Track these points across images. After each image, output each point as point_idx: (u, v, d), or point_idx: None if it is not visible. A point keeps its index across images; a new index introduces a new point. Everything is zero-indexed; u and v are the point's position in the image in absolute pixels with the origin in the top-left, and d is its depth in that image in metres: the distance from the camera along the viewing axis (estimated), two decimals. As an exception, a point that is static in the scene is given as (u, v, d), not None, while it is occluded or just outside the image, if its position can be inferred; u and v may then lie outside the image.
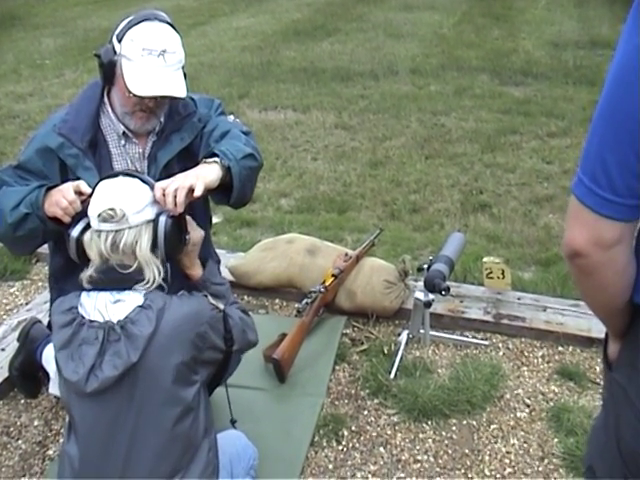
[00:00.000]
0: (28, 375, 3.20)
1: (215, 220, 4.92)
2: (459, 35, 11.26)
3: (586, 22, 11.50)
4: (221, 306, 2.25)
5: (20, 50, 11.38)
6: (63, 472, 2.11)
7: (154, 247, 2.11)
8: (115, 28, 2.54)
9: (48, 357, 2.99)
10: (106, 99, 2.68)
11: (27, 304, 4.00)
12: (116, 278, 2.06)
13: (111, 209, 2.04)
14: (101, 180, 2.21)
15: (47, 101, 8.55)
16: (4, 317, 3.89)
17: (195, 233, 2.38)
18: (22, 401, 3.28)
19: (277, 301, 4.00)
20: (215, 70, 9.49)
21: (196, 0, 15.56)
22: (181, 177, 2.29)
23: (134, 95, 2.47)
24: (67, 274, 2.51)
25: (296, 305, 3.59)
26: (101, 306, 2.04)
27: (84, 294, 2.10)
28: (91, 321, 2.03)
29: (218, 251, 3.35)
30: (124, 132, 2.68)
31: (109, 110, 2.67)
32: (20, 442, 3.07)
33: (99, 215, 2.05)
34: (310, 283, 3.67)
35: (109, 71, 2.55)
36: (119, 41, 2.50)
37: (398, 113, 7.63)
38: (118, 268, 2.06)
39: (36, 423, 3.16)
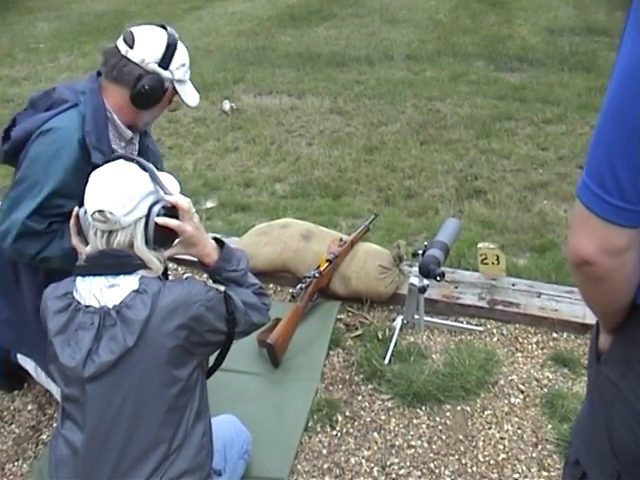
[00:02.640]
0: (9, 374, 3.25)
1: (210, 205, 4.95)
2: (455, 21, 11.21)
3: (582, 8, 11.47)
4: (222, 288, 2.23)
5: (15, 34, 11.34)
6: (61, 456, 2.10)
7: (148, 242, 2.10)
8: (138, 50, 2.57)
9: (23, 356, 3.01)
10: (109, 107, 2.68)
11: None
12: (110, 264, 2.05)
13: (100, 211, 2.00)
14: (102, 164, 2.17)
15: (41, 85, 8.49)
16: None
17: (191, 226, 2.24)
18: (15, 385, 3.29)
19: (271, 286, 4.00)
20: (210, 55, 9.47)
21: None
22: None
23: (190, 107, 2.79)
24: (62, 274, 2.48)
25: (290, 290, 3.59)
26: (96, 291, 2.03)
27: (79, 279, 2.08)
28: (87, 306, 2.01)
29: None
30: (132, 137, 2.78)
31: (115, 118, 2.69)
32: (14, 426, 3.08)
33: (92, 214, 2.03)
34: (304, 268, 3.67)
35: (159, 95, 2.65)
36: (165, 68, 2.61)
37: (393, 99, 7.61)
38: (114, 253, 2.05)
39: (30, 407, 3.17)
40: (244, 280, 2.37)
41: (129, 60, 2.56)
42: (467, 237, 4.38)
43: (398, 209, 5.06)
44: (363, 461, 2.85)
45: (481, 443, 2.91)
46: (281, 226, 3.98)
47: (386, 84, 8.11)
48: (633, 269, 1.35)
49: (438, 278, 3.11)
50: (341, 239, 3.76)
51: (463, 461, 2.83)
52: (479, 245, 3.85)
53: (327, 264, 3.59)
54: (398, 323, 3.52)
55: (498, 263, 3.79)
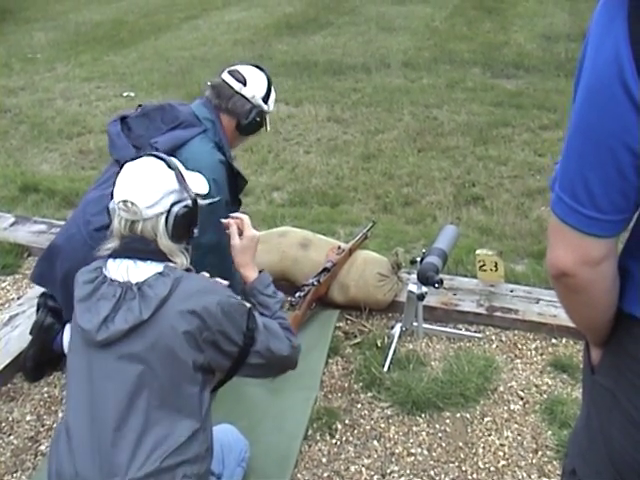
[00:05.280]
0: (42, 363, 3.38)
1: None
2: (451, 28, 11.24)
3: (578, 15, 11.49)
4: (247, 304, 2.29)
5: (11, 44, 11.34)
6: (58, 443, 2.13)
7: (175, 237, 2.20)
8: (250, 88, 3.18)
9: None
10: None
11: (19, 298, 3.98)
12: (139, 248, 2.16)
13: (124, 201, 2.13)
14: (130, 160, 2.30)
15: (39, 95, 8.53)
16: (-4, 312, 3.88)
17: (249, 232, 2.54)
18: (14, 396, 3.28)
19: (270, 295, 3.99)
20: (207, 64, 9.47)
21: (188, -6, 15.53)
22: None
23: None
24: None
25: (289, 298, 3.58)
26: (123, 269, 2.13)
27: (110, 259, 2.18)
28: (112, 280, 2.12)
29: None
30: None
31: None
32: (12, 438, 3.06)
33: (117, 203, 2.15)
34: (303, 276, 3.67)
35: (261, 125, 3.28)
36: (265, 102, 3.25)
37: (390, 106, 7.61)
38: (141, 241, 2.17)
39: (28, 418, 3.16)
40: (275, 308, 2.48)
41: (242, 96, 3.15)
42: (465, 244, 4.38)
43: (396, 216, 5.07)
44: (363, 469, 2.84)
45: (481, 450, 2.91)
46: (279, 234, 3.97)
47: (383, 92, 8.13)
48: (612, 279, 1.36)
49: (436, 285, 3.11)
50: (339, 247, 3.76)
51: (463, 468, 2.82)
52: (477, 252, 3.85)
53: (325, 272, 3.59)
54: (397, 331, 3.52)
55: (496, 270, 3.79)
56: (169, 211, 2.16)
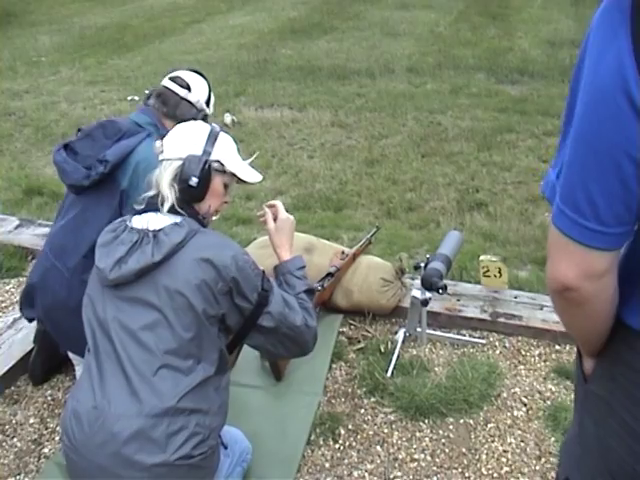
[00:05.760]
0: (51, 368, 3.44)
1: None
2: (455, 34, 11.26)
3: (582, 21, 11.49)
4: (261, 267, 2.34)
5: (16, 47, 11.37)
6: (78, 383, 2.26)
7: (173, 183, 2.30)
8: (195, 93, 3.17)
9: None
10: None
11: (23, 302, 3.98)
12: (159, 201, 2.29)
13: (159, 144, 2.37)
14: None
15: (43, 98, 8.55)
16: (0, 314, 3.88)
17: (283, 215, 2.65)
18: (18, 399, 3.29)
19: (273, 299, 3.98)
20: (212, 68, 9.48)
21: (192, -2, 15.58)
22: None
23: None
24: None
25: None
26: (145, 220, 2.26)
27: (136, 215, 2.31)
28: (132, 228, 2.25)
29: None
30: None
31: None
32: (15, 440, 3.06)
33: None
34: (306, 281, 3.66)
35: None
36: (207, 106, 3.24)
37: (394, 111, 7.63)
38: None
39: (32, 421, 3.16)
40: (299, 289, 2.51)
41: (188, 101, 3.14)
42: (469, 250, 4.38)
43: (400, 222, 5.07)
44: (366, 474, 2.84)
45: (484, 456, 2.90)
46: (283, 239, 3.97)
47: (387, 97, 8.14)
48: (613, 291, 1.34)
49: (440, 291, 3.11)
50: (343, 252, 3.76)
51: (466, 474, 2.82)
52: (481, 258, 3.85)
53: (329, 277, 3.59)
54: (400, 336, 3.52)
55: (500, 276, 3.79)
56: (183, 159, 2.29)
